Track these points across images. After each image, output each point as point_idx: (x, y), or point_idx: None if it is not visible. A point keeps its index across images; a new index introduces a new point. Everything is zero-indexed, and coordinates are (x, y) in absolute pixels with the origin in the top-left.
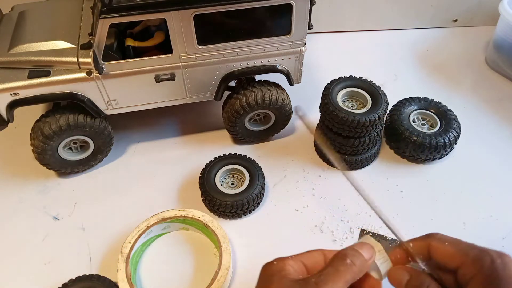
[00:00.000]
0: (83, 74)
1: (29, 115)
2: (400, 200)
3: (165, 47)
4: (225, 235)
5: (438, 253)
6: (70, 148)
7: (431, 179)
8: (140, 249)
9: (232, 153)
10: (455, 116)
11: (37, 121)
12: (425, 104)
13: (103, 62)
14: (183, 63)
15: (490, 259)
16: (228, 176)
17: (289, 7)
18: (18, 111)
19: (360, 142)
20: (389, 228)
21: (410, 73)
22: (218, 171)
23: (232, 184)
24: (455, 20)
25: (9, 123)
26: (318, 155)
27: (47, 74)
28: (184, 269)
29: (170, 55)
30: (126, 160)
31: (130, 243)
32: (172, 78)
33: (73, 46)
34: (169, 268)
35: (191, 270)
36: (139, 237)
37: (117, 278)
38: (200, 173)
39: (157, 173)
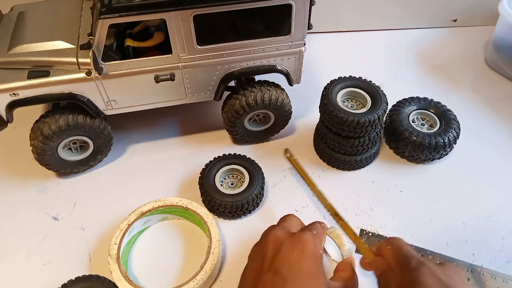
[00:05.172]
0: (82, 75)
1: (29, 115)
2: (399, 200)
3: (164, 48)
4: (207, 212)
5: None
6: (70, 149)
7: (431, 179)
8: (126, 248)
9: (232, 153)
10: (455, 116)
11: (37, 121)
12: (425, 104)
13: (102, 63)
14: (182, 63)
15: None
16: (228, 176)
17: (288, 7)
18: (17, 112)
19: (360, 142)
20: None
21: (409, 73)
22: (217, 171)
23: (232, 184)
24: (455, 20)
25: (8, 124)
26: (318, 155)
27: (46, 74)
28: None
29: (170, 55)
30: (126, 160)
31: (116, 244)
32: (172, 78)
33: (73, 46)
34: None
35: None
36: (123, 236)
37: (113, 279)
38: (200, 173)
39: (156, 173)
